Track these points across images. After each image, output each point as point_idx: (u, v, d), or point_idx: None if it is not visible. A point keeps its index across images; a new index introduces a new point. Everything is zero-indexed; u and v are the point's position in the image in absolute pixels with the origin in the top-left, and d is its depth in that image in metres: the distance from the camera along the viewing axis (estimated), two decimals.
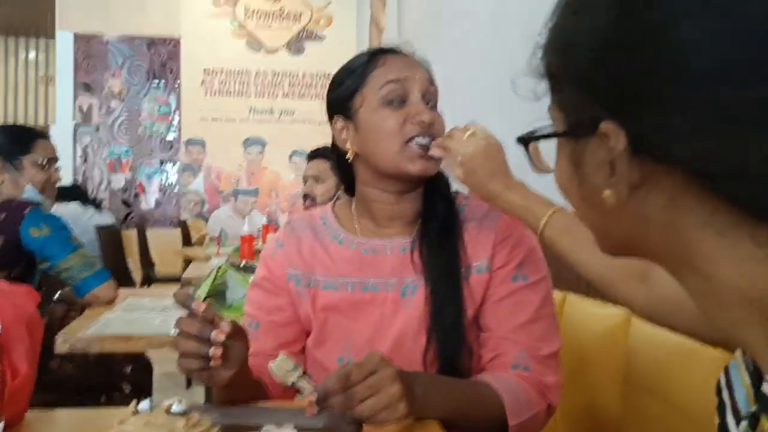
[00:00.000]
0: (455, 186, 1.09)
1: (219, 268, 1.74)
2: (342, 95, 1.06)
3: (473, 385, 0.97)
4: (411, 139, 1.00)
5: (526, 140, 0.53)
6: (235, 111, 6.11)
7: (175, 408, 0.60)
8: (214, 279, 1.72)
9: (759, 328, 0.40)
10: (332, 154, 1.15)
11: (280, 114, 6.17)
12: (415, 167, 1.00)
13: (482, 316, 1.03)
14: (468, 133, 0.97)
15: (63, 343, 1.46)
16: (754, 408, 0.41)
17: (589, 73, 0.44)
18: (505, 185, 0.94)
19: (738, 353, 0.46)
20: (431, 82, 1.05)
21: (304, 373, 0.79)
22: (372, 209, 1.08)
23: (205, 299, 1.72)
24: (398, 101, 1.01)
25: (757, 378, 0.42)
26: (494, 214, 1.05)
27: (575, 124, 0.46)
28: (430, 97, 1.03)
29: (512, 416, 0.93)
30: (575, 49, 0.45)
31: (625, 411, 1.10)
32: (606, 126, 0.42)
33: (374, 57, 1.05)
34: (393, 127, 1.00)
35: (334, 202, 1.15)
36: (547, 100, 0.50)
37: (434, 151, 0.99)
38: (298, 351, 1.08)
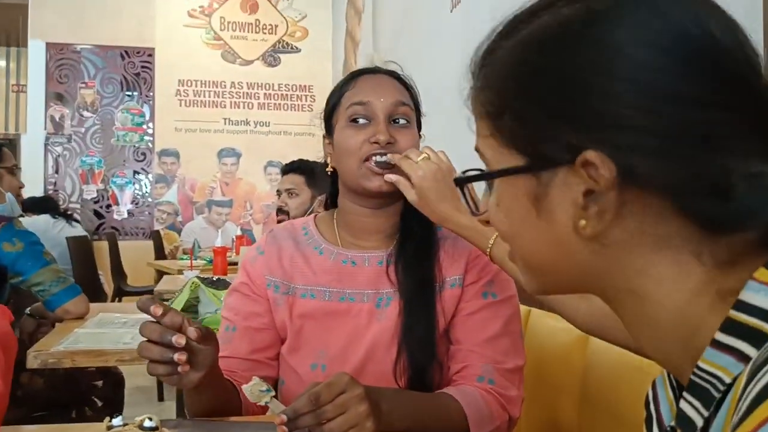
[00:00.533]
0: None
1: (192, 282, 1.76)
2: (326, 113, 1.13)
3: (438, 399, 1.00)
4: (369, 157, 1.04)
5: (463, 181, 0.52)
6: (210, 122, 6.10)
7: (147, 424, 0.62)
8: (189, 293, 1.74)
9: (682, 346, 0.44)
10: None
11: (255, 125, 6.18)
12: (372, 184, 1.04)
13: (452, 329, 1.08)
14: (422, 156, 1.00)
15: (35, 359, 1.46)
16: (673, 423, 0.45)
17: (562, 102, 0.42)
18: (455, 207, 0.98)
19: (664, 369, 0.50)
20: (402, 102, 1.07)
21: (275, 396, 0.82)
22: (350, 222, 1.12)
23: None
24: (363, 120, 1.06)
25: (678, 393, 0.47)
26: None
27: (539, 157, 0.44)
28: (399, 116, 1.06)
29: (474, 428, 0.97)
30: (538, 77, 0.44)
31: (581, 425, 1.14)
32: (590, 155, 0.41)
33: (350, 78, 1.11)
34: (354, 146, 1.05)
35: (316, 214, 1.19)
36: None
37: (388, 177, 1.02)
38: (272, 356, 1.11)
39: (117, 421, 0.64)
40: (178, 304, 1.74)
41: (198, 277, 1.79)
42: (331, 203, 1.19)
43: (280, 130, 6.18)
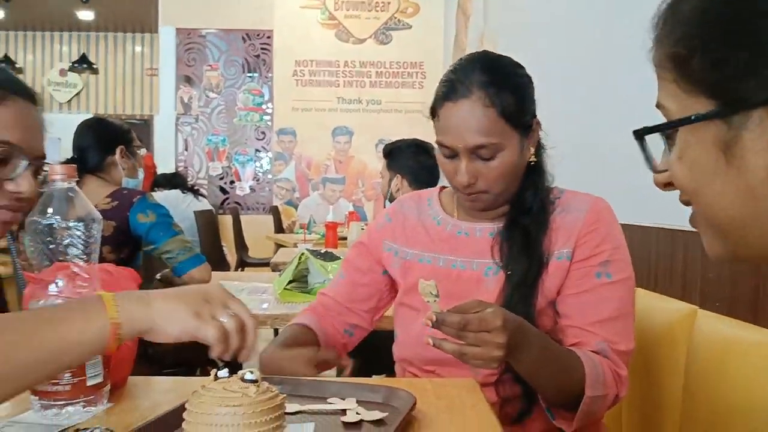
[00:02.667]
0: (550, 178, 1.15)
1: (301, 254, 1.86)
2: (432, 104, 1.12)
3: (564, 351, 1.03)
4: (458, 189, 1.11)
5: (644, 133, 0.49)
6: (324, 101, 6.29)
7: (248, 376, 0.69)
8: (297, 265, 1.84)
9: None
10: None
11: (367, 103, 6.30)
12: (468, 206, 1.15)
13: (561, 303, 1.09)
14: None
15: None
16: None
17: (759, 39, 0.41)
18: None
19: None
20: (483, 144, 1.04)
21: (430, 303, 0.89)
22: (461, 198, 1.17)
23: (289, 283, 1.83)
24: (451, 154, 1.08)
25: None
26: (584, 206, 1.11)
27: (732, 100, 0.42)
28: (482, 151, 1.05)
29: (590, 387, 0.98)
30: (733, 16, 0.42)
31: (686, 405, 1.10)
32: None
33: (439, 97, 1.08)
34: (447, 173, 1.12)
35: (443, 187, 1.26)
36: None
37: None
38: (365, 309, 1.25)
39: (222, 372, 0.71)
40: (288, 274, 1.84)
41: (308, 250, 1.88)
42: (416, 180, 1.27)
43: (391, 108, 6.25)
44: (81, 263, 0.84)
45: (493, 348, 0.88)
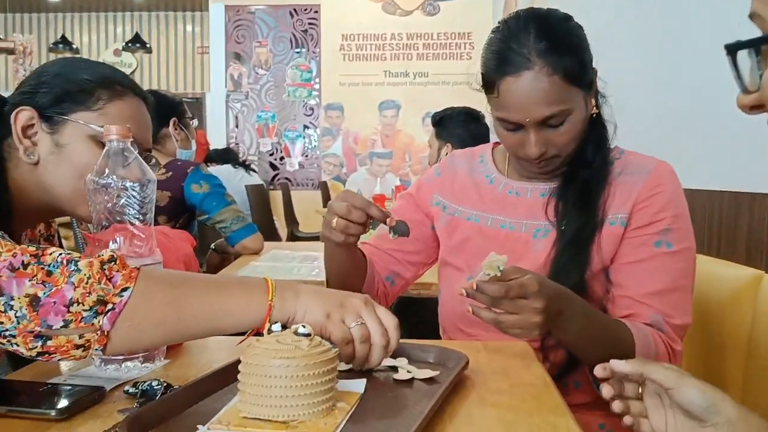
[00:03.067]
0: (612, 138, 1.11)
1: None
2: (482, 77, 1.05)
3: (614, 323, 1.00)
4: (524, 160, 1.06)
5: (736, 48, 0.46)
6: (371, 74, 6.26)
7: (301, 330, 0.69)
8: None
9: None
10: None
11: (415, 76, 6.24)
12: (531, 171, 1.09)
13: (615, 272, 1.04)
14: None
15: None
16: None
17: None
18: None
19: None
20: (552, 114, 0.98)
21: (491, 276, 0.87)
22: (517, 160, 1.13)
23: None
24: (514, 128, 1.03)
25: None
26: (645, 169, 1.05)
27: None
28: (551, 120, 1.00)
29: None
30: None
31: (749, 374, 1.06)
32: None
33: (494, 72, 1.01)
34: (511, 146, 1.07)
35: (495, 143, 1.21)
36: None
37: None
38: (411, 261, 1.22)
39: (276, 327, 0.72)
40: None
41: None
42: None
43: (438, 80, 6.18)
44: (138, 224, 0.86)
45: (531, 314, 0.85)
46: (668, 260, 1.02)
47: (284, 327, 0.72)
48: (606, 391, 0.65)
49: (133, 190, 0.84)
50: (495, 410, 0.72)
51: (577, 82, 1.00)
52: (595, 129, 1.08)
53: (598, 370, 0.67)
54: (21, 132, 0.91)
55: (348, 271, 1.12)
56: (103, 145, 0.87)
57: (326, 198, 5.87)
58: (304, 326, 0.70)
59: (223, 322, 0.75)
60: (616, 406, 0.64)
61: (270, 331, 0.71)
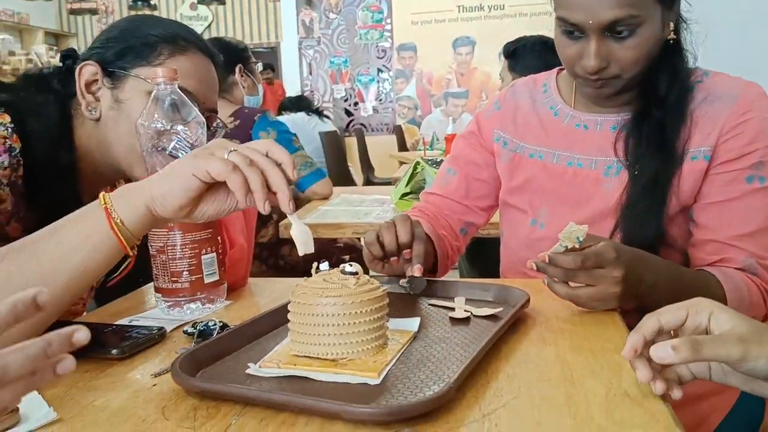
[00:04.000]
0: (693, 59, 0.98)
1: (416, 164, 1.82)
2: None
3: (701, 278, 0.91)
4: (580, 76, 0.95)
5: None
6: (444, 11, 6.05)
7: (347, 269, 0.68)
8: (411, 176, 1.81)
9: None
10: None
11: (490, 9, 5.98)
12: (589, 93, 0.98)
13: (700, 213, 0.95)
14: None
15: (285, 229, 1.67)
16: None
17: None
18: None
19: None
20: (617, 18, 0.88)
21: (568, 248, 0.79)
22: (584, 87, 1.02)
23: (403, 196, 1.81)
24: (575, 33, 0.92)
25: None
26: (732, 93, 0.94)
27: None
28: (616, 28, 0.89)
29: None
30: None
31: None
32: None
33: None
34: (565, 57, 0.96)
35: (560, 69, 1.11)
36: None
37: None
38: (483, 207, 1.15)
39: (324, 266, 0.71)
40: (404, 182, 1.82)
41: (421, 159, 1.84)
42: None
43: (515, 12, 5.90)
44: None
45: (610, 285, 0.78)
46: (762, 197, 0.91)
47: (332, 266, 0.71)
48: (643, 375, 0.55)
49: (184, 132, 0.84)
50: (554, 349, 0.68)
51: None
52: (671, 58, 0.95)
53: (628, 353, 0.56)
54: (84, 87, 0.92)
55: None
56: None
57: (401, 141, 5.83)
58: (351, 265, 0.68)
59: (73, 262, 0.66)
60: (659, 387, 0.56)
61: (318, 270, 0.70)
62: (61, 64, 0.97)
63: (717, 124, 0.93)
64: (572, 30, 0.92)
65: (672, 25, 0.94)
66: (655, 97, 0.96)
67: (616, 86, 0.95)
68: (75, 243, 0.66)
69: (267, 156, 0.68)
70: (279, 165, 0.68)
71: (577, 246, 0.78)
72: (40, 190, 0.88)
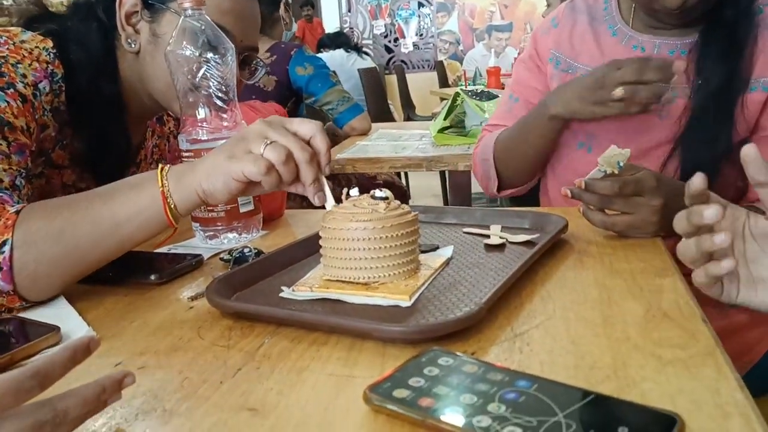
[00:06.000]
0: None
1: (456, 95, 1.77)
2: None
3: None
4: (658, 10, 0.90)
5: None
6: None
7: (378, 194, 0.66)
8: (450, 108, 1.77)
9: None
10: None
11: None
12: (667, 25, 0.94)
13: (757, 147, 0.90)
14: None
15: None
16: None
17: None
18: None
19: None
20: None
21: (607, 174, 0.77)
22: (646, 5, 0.96)
23: (442, 130, 1.77)
24: None
25: None
26: None
27: None
28: None
29: None
30: None
31: None
32: None
33: None
34: None
35: None
36: None
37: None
38: None
39: (354, 191, 0.70)
40: (442, 115, 1.78)
41: (462, 90, 1.79)
42: None
43: None
44: (221, 95, 0.85)
45: (649, 213, 0.75)
46: None
47: (362, 192, 0.70)
48: (700, 275, 0.53)
49: (214, 60, 0.83)
50: (592, 273, 0.67)
51: None
52: None
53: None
54: (125, 18, 0.91)
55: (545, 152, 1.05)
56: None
57: (442, 78, 5.70)
58: (381, 190, 0.67)
59: (124, 231, 0.68)
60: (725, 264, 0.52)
61: (348, 196, 0.69)
62: None
63: None
64: None
65: None
66: (718, 21, 0.91)
67: (698, 11, 0.91)
68: (129, 214, 0.68)
69: (309, 142, 0.67)
70: (317, 154, 0.68)
71: (616, 172, 0.75)
72: (85, 119, 0.89)
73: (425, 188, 4.33)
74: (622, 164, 0.75)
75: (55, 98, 0.85)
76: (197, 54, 0.81)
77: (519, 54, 5.26)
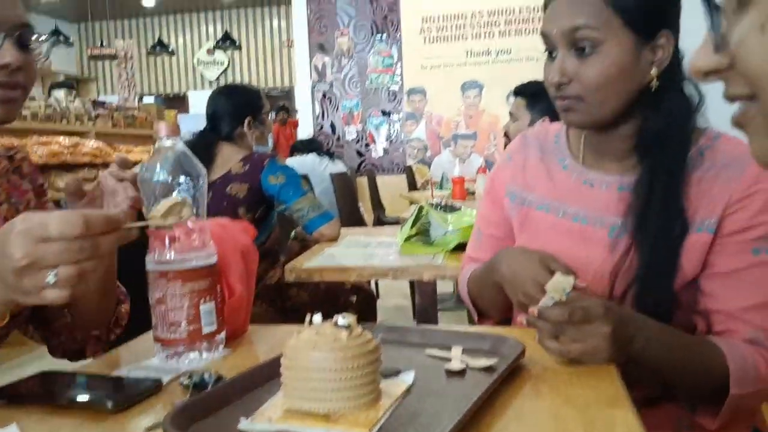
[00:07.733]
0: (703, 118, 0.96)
1: (420, 208, 1.84)
2: None
3: (699, 344, 0.90)
4: (551, 96, 0.97)
5: None
6: (453, 56, 6.15)
7: (340, 321, 0.68)
8: (416, 219, 1.82)
9: None
10: None
11: (497, 54, 6.07)
12: (563, 119, 0.99)
13: (707, 283, 0.93)
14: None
15: (290, 273, 1.67)
16: None
17: None
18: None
19: None
20: (577, 26, 0.90)
21: (555, 300, 0.80)
22: (587, 138, 1.03)
23: (408, 238, 1.82)
24: (554, 52, 0.95)
25: None
26: (741, 164, 0.91)
27: None
28: (578, 42, 0.91)
29: (735, 385, 0.85)
30: None
31: None
32: None
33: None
34: (545, 78, 0.98)
35: None
36: None
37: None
38: None
39: (317, 318, 0.71)
40: (408, 226, 1.83)
41: (429, 203, 1.85)
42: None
43: (522, 56, 5.99)
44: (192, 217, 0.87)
45: (599, 340, 0.77)
46: None
47: (339, 308, 0.71)
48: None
49: (185, 184, 0.86)
50: (548, 403, 0.68)
51: (624, 14, 0.89)
52: (668, 101, 0.93)
53: None
54: None
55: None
56: None
57: (411, 181, 5.86)
58: (344, 317, 0.69)
59: None
60: None
61: (311, 323, 0.70)
62: None
63: (723, 197, 0.91)
64: (549, 49, 0.96)
65: (656, 69, 0.93)
66: (662, 162, 0.94)
67: (581, 112, 0.94)
68: None
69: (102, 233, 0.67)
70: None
71: (564, 299, 0.78)
72: None
73: (395, 288, 4.35)
74: (568, 291, 0.78)
75: None
76: (169, 179, 0.84)
77: (482, 162, 5.46)
